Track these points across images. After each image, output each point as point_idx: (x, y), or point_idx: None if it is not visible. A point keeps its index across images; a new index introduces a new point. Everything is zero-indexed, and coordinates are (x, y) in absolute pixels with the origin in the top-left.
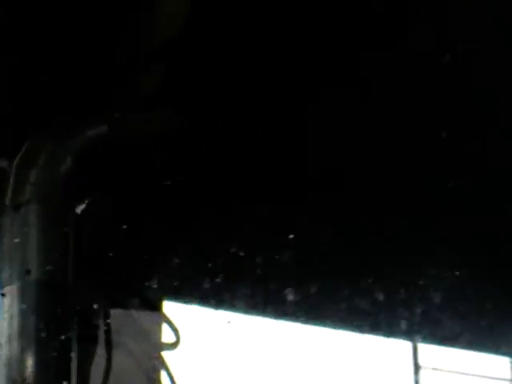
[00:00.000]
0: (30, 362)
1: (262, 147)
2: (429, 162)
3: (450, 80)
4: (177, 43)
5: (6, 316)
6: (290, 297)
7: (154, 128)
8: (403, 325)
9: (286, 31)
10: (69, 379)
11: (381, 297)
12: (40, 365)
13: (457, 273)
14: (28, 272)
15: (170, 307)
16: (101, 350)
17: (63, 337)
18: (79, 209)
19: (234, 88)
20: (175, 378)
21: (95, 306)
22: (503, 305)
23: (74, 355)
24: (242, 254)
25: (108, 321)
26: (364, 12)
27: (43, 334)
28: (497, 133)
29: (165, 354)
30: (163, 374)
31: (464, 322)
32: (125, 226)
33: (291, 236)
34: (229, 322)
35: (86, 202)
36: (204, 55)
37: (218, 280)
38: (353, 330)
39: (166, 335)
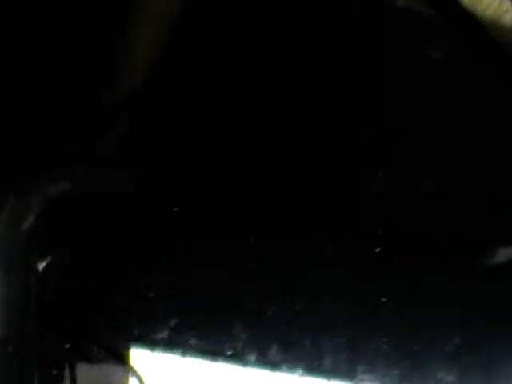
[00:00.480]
0: None
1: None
2: None
3: None
4: (138, 100)
5: None
6: (256, 344)
7: (116, 186)
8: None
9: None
10: None
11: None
12: None
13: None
14: None
15: (136, 355)
16: None
17: None
18: (41, 265)
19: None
20: None
21: (60, 360)
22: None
23: None
24: (209, 300)
25: (74, 373)
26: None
27: None
28: None
29: None
30: None
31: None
32: (89, 279)
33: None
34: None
35: (48, 258)
36: (166, 112)
37: (183, 327)
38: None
39: None
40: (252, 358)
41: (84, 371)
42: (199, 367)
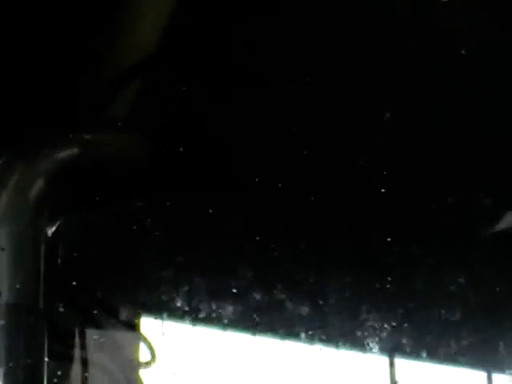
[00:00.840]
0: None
1: (233, 172)
2: None
3: None
4: (149, 66)
5: None
6: (268, 313)
7: (125, 151)
8: (380, 339)
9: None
10: None
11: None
12: None
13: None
14: None
15: (146, 324)
16: (77, 370)
17: (34, 359)
18: (51, 230)
19: (204, 115)
20: None
21: (70, 326)
22: (480, 319)
23: (45, 377)
24: (219, 269)
25: (84, 340)
26: None
27: (13, 356)
28: None
29: (141, 373)
30: None
31: (441, 336)
32: (99, 245)
33: (273, 251)
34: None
35: (58, 223)
36: (176, 80)
37: (195, 296)
38: (329, 345)
39: (143, 353)
40: (257, 296)
41: (94, 338)
42: (209, 336)
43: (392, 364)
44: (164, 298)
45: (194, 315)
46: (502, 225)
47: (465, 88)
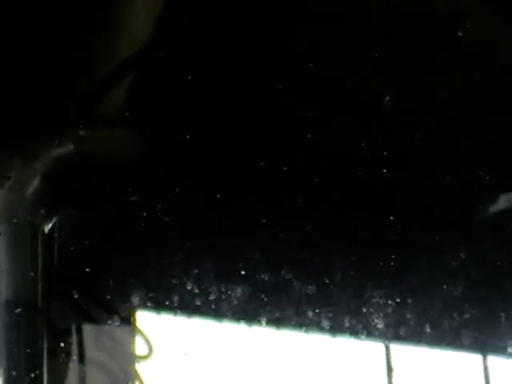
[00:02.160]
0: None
1: (227, 171)
2: None
3: None
4: (143, 60)
5: None
6: (264, 310)
7: (120, 146)
8: (376, 326)
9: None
10: None
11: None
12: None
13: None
14: None
15: (142, 318)
16: (74, 366)
17: (34, 356)
18: (47, 227)
19: (202, 106)
20: None
21: (67, 322)
22: (475, 305)
23: (45, 375)
24: (215, 269)
25: (81, 336)
26: None
27: (12, 357)
28: None
29: (138, 367)
30: None
31: (437, 328)
32: (96, 243)
33: (265, 242)
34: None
35: (55, 220)
36: (171, 74)
37: (191, 290)
38: (324, 333)
39: (140, 347)
40: (265, 277)
41: (91, 333)
42: (205, 329)
43: (388, 351)
44: (161, 293)
45: (190, 308)
46: (502, 203)
47: (464, 72)
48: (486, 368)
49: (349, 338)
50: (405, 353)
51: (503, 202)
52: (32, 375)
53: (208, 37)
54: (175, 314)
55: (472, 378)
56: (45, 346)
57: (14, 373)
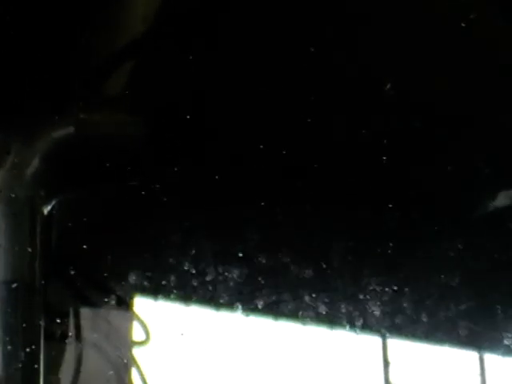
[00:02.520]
0: None
1: (227, 153)
2: None
3: None
4: (144, 44)
5: None
6: (261, 293)
7: (121, 130)
8: (373, 314)
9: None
10: (37, 378)
11: (353, 292)
12: (6, 366)
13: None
14: None
15: (140, 304)
16: (71, 348)
17: (31, 336)
18: (47, 209)
19: (200, 94)
20: (146, 376)
21: (65, 305)
22: (471, 300)
23: (41, 356)
24: (213, 250)
25: (78, 319)
26: None
27: (9, 334)
28: None
29: (135, 352)
30: (134, 372)
31: (433, 317)
32: (94, 225)
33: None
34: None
35: (54, 202)
36: (172, 58)
37: (189, 276)
38: (322, 326)
39: (137, 333)
40: (262, 260)
41: (88, 317)
42: (203, 316)
43: (385, 345)
44: (158, 277)
45: (188, 295)
46: (502, 200)
47: (466, 64)
48: (481, 362)
49: (345, 326)
50: (401, 347)
51: (503, 198)
52: (27, 350)
53: (210, 20)
54: (172, 296)
55: (468, 373)
56: (42, 323)
57: (9, 347)
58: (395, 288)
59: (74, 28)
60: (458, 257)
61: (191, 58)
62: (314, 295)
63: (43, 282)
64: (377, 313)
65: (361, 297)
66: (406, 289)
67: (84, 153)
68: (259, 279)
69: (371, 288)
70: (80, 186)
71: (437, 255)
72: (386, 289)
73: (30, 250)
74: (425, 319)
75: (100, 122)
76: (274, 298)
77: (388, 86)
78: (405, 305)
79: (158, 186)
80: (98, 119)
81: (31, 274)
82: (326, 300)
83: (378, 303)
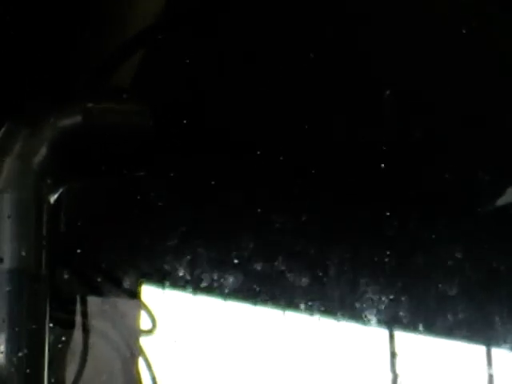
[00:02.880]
0: (1, 351)
1: (233, 144)
2: None
3: None
4: (153, 34)
5: None
6: (269, 285)
7: (129, 120)
8: (381, 312)
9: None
10: (43, 366)
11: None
12: (12, 354)
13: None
14: (1, 260)
15: (148, 292)
16: (78, 336)
17: (37, 325)
18: (53, 198)
19: (208, 86)
20: (153, 365)
21: (72, 293)
22: (479, 294)
23: (46, 344)
24: (220, 240)
25: (86, 307)
26: None
27: (15, 323)
28: None
29: (142, 341)
30: (141, 361)
31: (441, 310)
32: (102, 213)
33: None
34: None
35: (61, 191)
36: (180, 50)
37: (197, 265)
38: (330, 317)
39: (144, 321)
40: (258, 267)
41: (95, 305)
42: (210, 305)
43: (392, 337)
44: (166, 266)
45: (195, 284)
46: (501, 201)
47: (467, 64)
48: (489, 357)
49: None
50: (408, 339)
51: (503, 199)
52: (33, 338)
53: (211, 18)
54: (180, 286)
55: (475, 366)
56: (47, 312)
57: (14, 335)
58: (393, 297)
59: (84, 18)
60: (457, 265)
61: (195, 54)
62: (309, 303)
63: (51, 271)
64: (373, 322)
65: (357, 306)
66: (405, 298)
67: (91, 142)
68: (254, 286)
69: (368, 296)
70: (87, 176)
71: (434, 265)
72: (384, 298)
73: (36, 238)
74: (424, 329)
75: (107, 111)
76: (269, 305)
77: (389, 91)
78: (403, 314)
79: (153, 189)
80: (105, 108)
81: (37, 263)
82: (322, 308)
83: (376, 312)
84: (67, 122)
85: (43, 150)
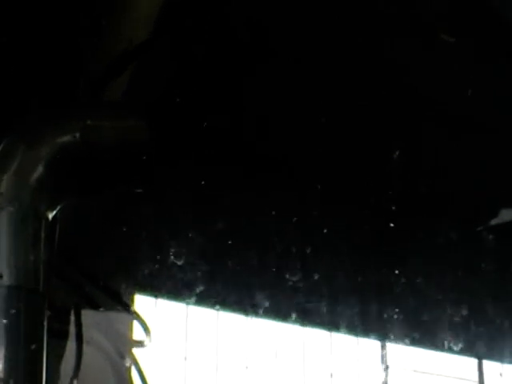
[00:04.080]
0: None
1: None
2: None
3: None
4: (146, 49)
5: None
6: (263, 295)
7: (126, 135)
8: (374, 325)
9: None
10: (40, 377)
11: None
12: (10, 365)
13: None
14: (0, 276)
15: (142, 303)
16: (72, 346)
17: (36, 339)
18: (51, 215)
19: (205, 96)
20: (146, 375)
21: (67, 304)
22: (472, 308)
23: (44, 356)
24: (213, 250)
25: (80, 318)
26: None
27: (14, 336)
28: None
29: (136, 351)
30: (134, 371)
31: (435, 324)
32: (95, 225)
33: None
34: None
35: (58, 207)
36: (175, 62)
37: (190, 277)
38: (325, 329)
39: (138, 332)
40: (252, 278)
41: (89, 316)
42: (202, 315)
43: (384, 348)
44: (159, 278)
45: (188, 295)
46: (498, 219)
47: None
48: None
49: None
50: (401, 351)
51: (500, 218)
52: (31, 350)
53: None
54: (172, 296)
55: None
56: (45, 325)
57: (13, 348)
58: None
59: (79, 34)
60: (461, 323)
61: (191, 63)
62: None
63: (47, 286)
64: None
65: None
66: (400, 312)
67: (89, 159)
68: (248, 299)
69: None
70: (85, 193)
71: (441, 321)
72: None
73: (34, 255)
74: (417, 342)
75: (105, 128)
76: (275, 300)
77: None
78: (398, 328)
79: (144, 202)
80: (103, 125)
81: (35, 279)
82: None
83: (371, 326)
84: (65, 139)
85: (41, 167)
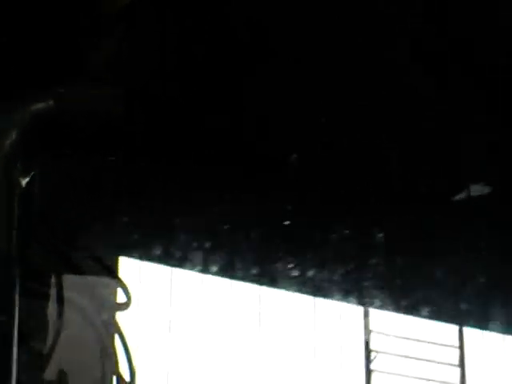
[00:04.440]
0: None
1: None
2: None
3: None
4: (125, 18)
5: None
6: (245, 259)
7: (99, 104)
8: (358, 290)
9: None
10: (11, 343)
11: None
12: None
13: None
14: None
15: (124, 267)
16: (52, 310)
17: (6, 303)
18: (24, 181)
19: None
20: (127, 340)
21: (48, 268)
22: (456, 276)
23: (16, 321)
24: (196, 212)
25: (61, 281)
26: None
27: None
28: None
29: (117, 315)
30: (116, 335)
31: (418, 290)
32: (77, 189)
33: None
34: None
35: (31, 174)
36: (153, 33)
37: (173, 239)
38: (308, 294)
39: (119, 296)
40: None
41: (70, 281)
42: (188, 280)
43: (367, 314)
44: (141, 241)
45: (172, 259)
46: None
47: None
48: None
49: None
50: (383, 317)
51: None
52: (2, 317)
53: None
54: (157, 259)
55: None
56: (17, 290)
57: None
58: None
59: (59, 3)
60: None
61: (191, 62)
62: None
63: (23, 251)
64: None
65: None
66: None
67: (62, 126)
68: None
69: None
70: (58, 160)
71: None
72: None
73: (7, 220)
74: (401, 307)
75: (79, 96)
76: (262, 266)
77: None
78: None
79: (129, 165)
80: (77, 93)
81: (8, 244)
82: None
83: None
84: (39, 106)
85: (14, 134)
